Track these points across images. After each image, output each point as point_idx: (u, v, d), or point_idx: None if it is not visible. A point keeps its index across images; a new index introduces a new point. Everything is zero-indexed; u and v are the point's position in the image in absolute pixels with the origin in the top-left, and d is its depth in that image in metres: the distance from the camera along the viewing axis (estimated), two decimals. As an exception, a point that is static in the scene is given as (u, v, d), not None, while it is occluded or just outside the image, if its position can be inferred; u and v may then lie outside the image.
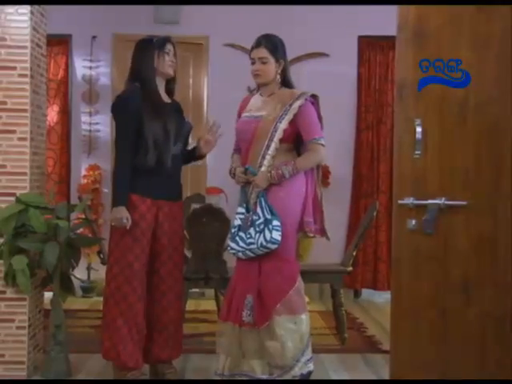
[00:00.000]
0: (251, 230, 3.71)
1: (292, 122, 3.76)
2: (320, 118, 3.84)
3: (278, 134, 3.75)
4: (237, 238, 3.76)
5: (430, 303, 3.19)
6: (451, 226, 3.15)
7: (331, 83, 6.43)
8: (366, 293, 7.07)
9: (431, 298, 3.18)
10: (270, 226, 3.65)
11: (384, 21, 6.52)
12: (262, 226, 3.67)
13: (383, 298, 6.83)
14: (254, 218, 3.71)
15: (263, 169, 3.74)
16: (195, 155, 4.15)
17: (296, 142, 3.85)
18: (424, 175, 3.17)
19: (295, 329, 3.71)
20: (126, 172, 3.82)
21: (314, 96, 3.84)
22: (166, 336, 4.00)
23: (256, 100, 3.95)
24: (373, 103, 6.91)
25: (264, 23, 6.31)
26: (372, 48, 6.94)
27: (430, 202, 3.14)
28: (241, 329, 3.75)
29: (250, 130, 3.83)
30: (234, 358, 3.77)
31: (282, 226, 3.66)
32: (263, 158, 3.76)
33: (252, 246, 3.69)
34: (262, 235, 3.65)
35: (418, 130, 3.14)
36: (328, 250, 5.97)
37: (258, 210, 3.71)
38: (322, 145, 3.77)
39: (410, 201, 3.15)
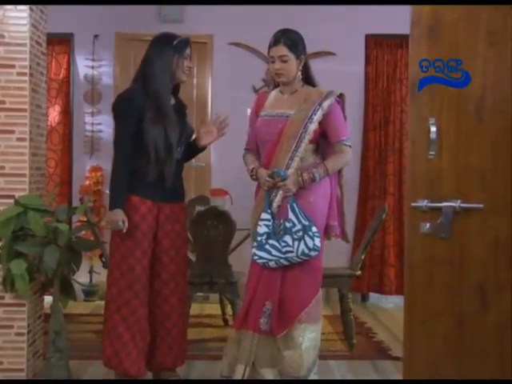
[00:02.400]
0: (287, 238, 3.53)
1: (320, 122, 3.62)
2: (345, 117, 3.71)
3: (308, 135, 3.60)
4: (267, 247, 3.56)
5: (444, 310, 3.05)
6: (467, 230, 3.01)
7: (338, 82, 6.16)
8: (372, 297, 6.95)
9: (446, 305, 3.05)
10: (311, 233, 3.51)
11: (391, 19, 6.47)
12: (300, 234, 3.51)
13: (390, 302, 6.74)
14: (288, 224, 3.54)
15: (291, 170, 3.58)
16: (194, 148, 3.97)
17: (319, 142, 3.71)
18: (439, 176, 3.03)
19: (312, 337, 3.62)
20: (123, 174, 3.69)
21: (340, 95, 3.71)
22: (169, 342, 3.88)
23: (276, 98, 3.78)
24: (380, 103, 6.81)
25: (269, 22, 6.19)
26: (379, 47, 6.83)
27: (444, 204, 3.00)
28: (256, 336, 3.62)
29: (275, 130, 3.65)
30: (251, 367, 3.61)
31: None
32: (291, 159, 3.59)
33: (290, 255, 3.53)
34: (302, 243, 3.50)
35: (433, 129, 3.00)
36: (334, 252, 5.81)
37: (291, 215, 3.55)
38: (349, 146, 3.66)
39: (423, 203, 3.02)
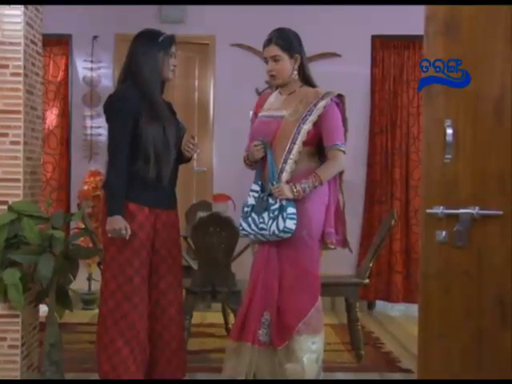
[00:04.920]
0: (265, 215, 3.46)
1: (316, 124, 3.49)
2: (344, 119, 3.57)
3: (302, 136, 3.47)
4: (249, 220, 3.51)
5: (462, 323, 2.90)
6: (485, 238, 2.86)
7: (343, 84, 6.00)
8: (378, 304, 6.80)
9: (463, 318, 2.90)
10: (285, 214, 3.40)
11: (398, 19, 6.34)
12: (276, 213, 3.42)
13: (397, 310, 6.59)
14: (270, 201, 3.46)
15: (284, 174, 3.46)
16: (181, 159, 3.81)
17: (318, 146, 3.58)
18: (455, 181, 2.88)
19: (314, 349, 3.48)
20: (122, 177, 3.52)
21: (339, 96, 3.56)
22: (168, 354, 3.71)
23: (275, 98, 3.67)
24: (387, 105, 6.69)
25: (273, 22, 5.99)
26: (386, 48, 6.71)
27: (461, 211, 2.85)
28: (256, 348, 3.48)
29: (270, 132, 3.53)
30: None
31: (300, 218, 3.42)
32: (285, 162, 3.47)
33: (264, 232, 3.46)
34: (275, 223, 3.41)
35: (449, 131, 2.85)
36: (339, 260, 5.68)
37: None
38: (343, 152, 3.51)
39: (439, 210, 2.87)
